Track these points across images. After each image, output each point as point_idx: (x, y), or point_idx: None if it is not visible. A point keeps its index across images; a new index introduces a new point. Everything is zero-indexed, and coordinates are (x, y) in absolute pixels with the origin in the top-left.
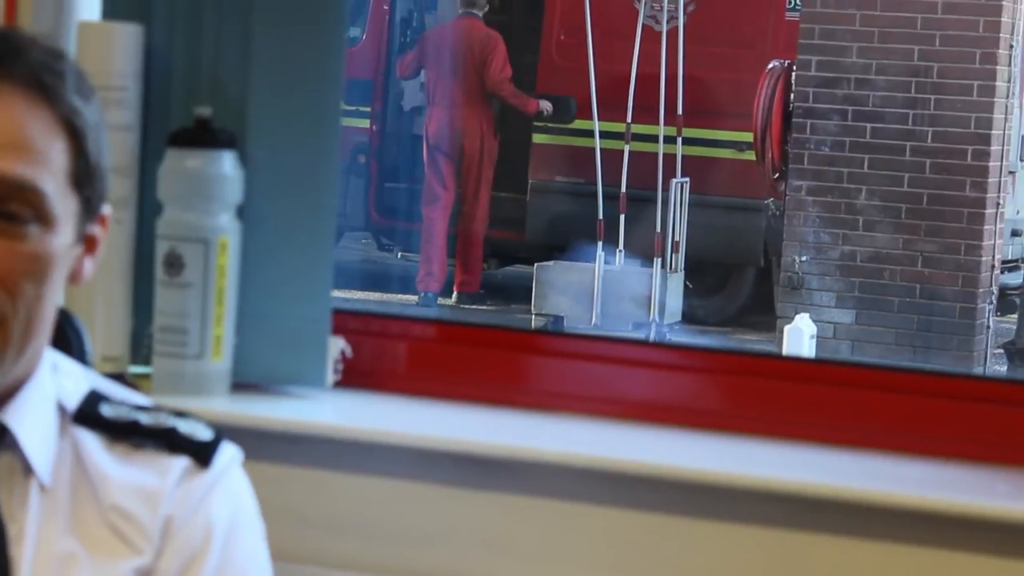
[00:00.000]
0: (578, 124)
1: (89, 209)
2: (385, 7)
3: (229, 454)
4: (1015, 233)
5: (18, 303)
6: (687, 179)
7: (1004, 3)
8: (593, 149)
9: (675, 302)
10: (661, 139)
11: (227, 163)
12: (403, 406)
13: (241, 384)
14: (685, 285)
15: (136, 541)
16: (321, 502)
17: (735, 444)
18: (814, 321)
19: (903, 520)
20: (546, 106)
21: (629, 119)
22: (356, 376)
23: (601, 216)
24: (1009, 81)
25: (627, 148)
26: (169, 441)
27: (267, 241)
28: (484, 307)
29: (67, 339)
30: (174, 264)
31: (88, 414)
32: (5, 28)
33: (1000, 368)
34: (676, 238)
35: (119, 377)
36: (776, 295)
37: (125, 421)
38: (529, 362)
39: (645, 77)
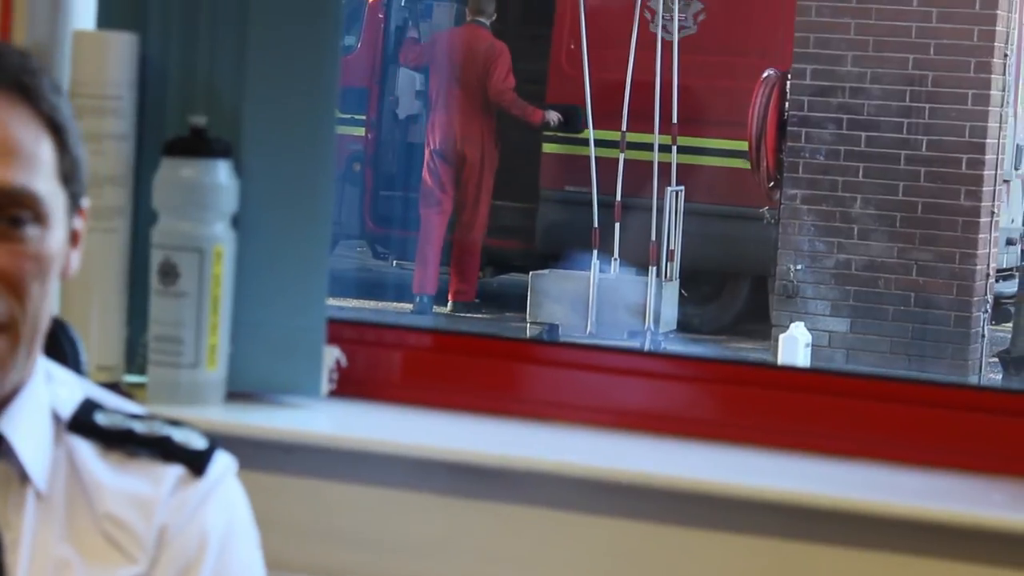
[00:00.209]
0: (603, 135)
1: (74, 203)
2: (380, 16)
3: (223, 463)
4: (1010, 242)
5: (27, 306)
6: (681, 187)
7: (999, 12)
8: (604, 159)
9: (670, 311)
10: (657, 147)
11: (222, 172)
12: (398, 415)
13: (236, 393)
14: (680, 293)
15: (130, 549)
16: (316, 511)
17: (730, 453)
18: (809, 330)
19: (898, 530)
20: (553, 117)
21: (624, 127)
22: (351, 385)
23: (596, 224)
24: (1003, 90)
25: (622, 156)
26: (163, 450)
27: (262, 250)
28: (479, 315)
29: (62, 348)
30: (169, 273)
31: (83, 422)
32: None
33: (995, 377)
34: (671, 246)
35: (114, 386)
36: (771, 304)
37: (119, 429)
38: (524, 371)
39: (656, 86)
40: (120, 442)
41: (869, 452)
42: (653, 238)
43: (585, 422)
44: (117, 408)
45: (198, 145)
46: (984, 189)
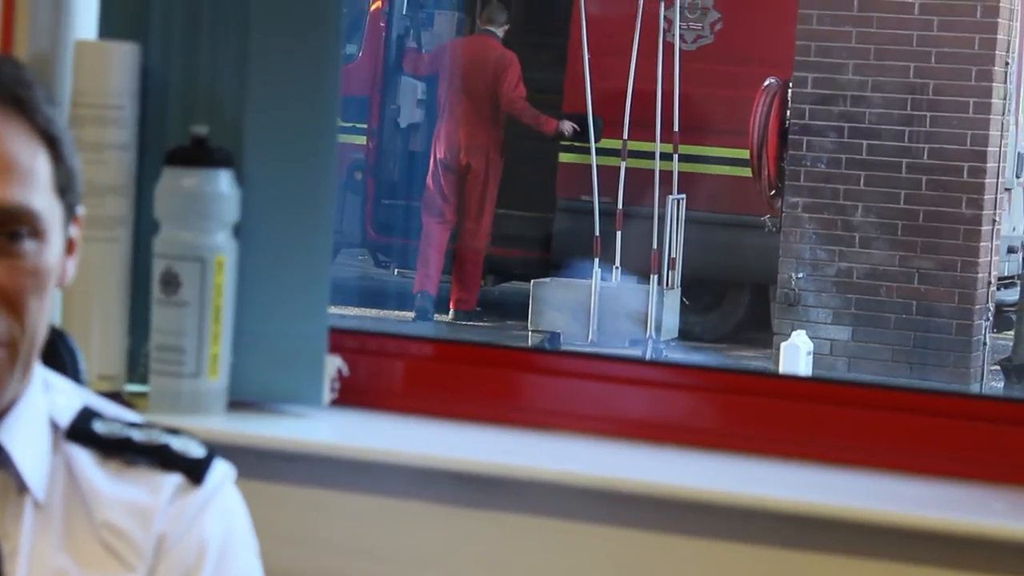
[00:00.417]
0: (605, 143)
1: (70, 213)
2: (381, 24)
3: (222, 471)
4: (1011, 250)
5: (26, 322)
6: (683, 196)
7: (1000, 20)
8: (618, 168)
9: (672, 319)
10: (658, 156)
11: (223, 182)
12: (399, 424)
13: (238, 402)
14: (682, 302)
15: (129, 558)
16: (317, 521)
17: (732, 463)
18: (811, 338)
19: (900, 538)
20: (567, 127)
21: (625, 135)
22: (353, 394)
23: (598, 232)
24: (1005, 98)
25: (623, 164)
26: (162, 458)
27: (264, 260)
28: (480, 324)
29: (61, 358)
30: (171, 283)
31: (81, 430)
32: None
33: (997, 384)
34: (673, 255)
35: (116, 396)
36: (773, 312)
37: (118, 438)
38: (526, 380)
39: (674, 94)
40: (118, 450)
41: (871, 461)
42: (655, 246)
43: (587, 431)
44: (115, 416)
45: (199, 154)
46: (985, 197)
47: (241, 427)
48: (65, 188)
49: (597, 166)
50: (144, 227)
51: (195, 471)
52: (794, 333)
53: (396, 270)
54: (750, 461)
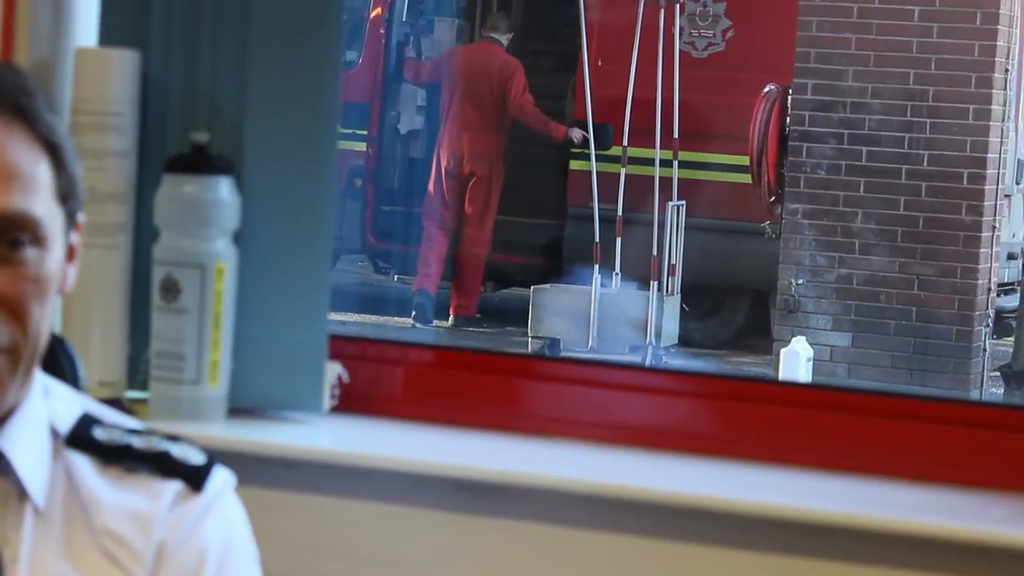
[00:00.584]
0: (616, 151)
1: (71, 220)
2: (381, 31)
3: (222, 478)
4: (1011, 256)
5: (28, 328)
6: (683, 202)
7: (1000, 27)
8: (630, 175)
9: (671, 325)
10: (660, 162)
11: (224, 189)
12: (400, 431)
13: (237, 409)
14: (681, 308)
15: (129, 566)
16: (318, 528)
17: (731, 469)
18: (811, 344)
19: (899, 545)
20: (576, 135)
21: (625, 142)
22: (353, 401)
23: (598, 239)
24: (1004, 105)
25: (623, 171)
26: (162, 465)
27: (264, 266)
28: (480, 330)
29: (60, 365)
30: (171, 289)
31: (81, 437)
32: None
33: (997, 391)
34: (673, 261)
35: (116, 402)
36: (772, 318)
37: (118, 444)
38: (526, 387)
39: (674, 101)
40: (118, 457)
41: (870, 467)
42: (655, 252)
43: (586, 438)
44: (115, 423)
45: (200, 161)
46: (985, 204)
47: (241, 434)
48: (66, 195)
49: (600, 173)
50: (144, 234)
51: (195, 478)
52: (794, 339)
53: (396, 276)
54: (750, 468)
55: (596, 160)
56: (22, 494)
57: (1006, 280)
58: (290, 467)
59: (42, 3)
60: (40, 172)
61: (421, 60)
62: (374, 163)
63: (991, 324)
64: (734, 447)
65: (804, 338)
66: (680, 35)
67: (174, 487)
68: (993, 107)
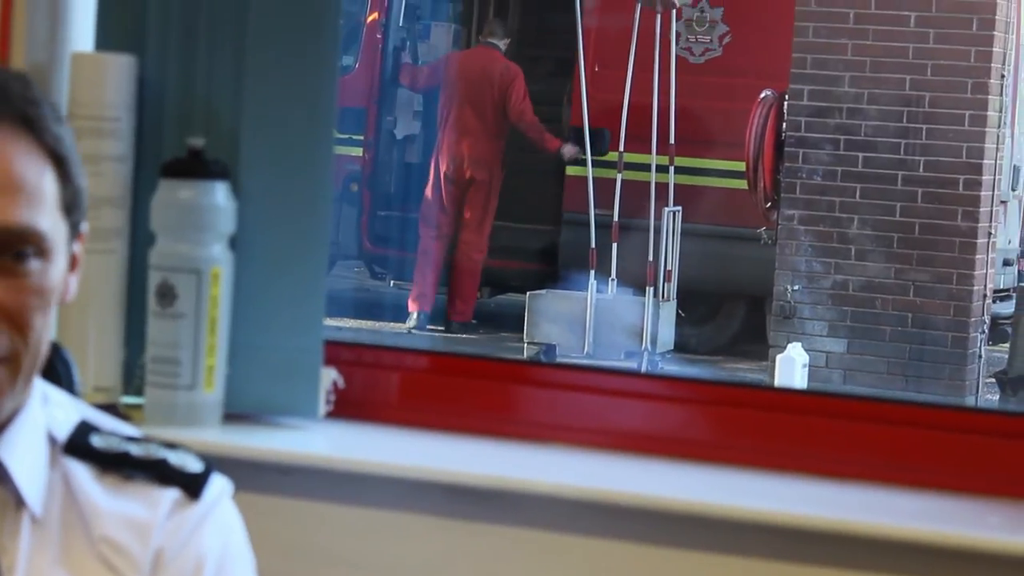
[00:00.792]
0: (613, 156)
1: (75, 231)
2: (378, 36)
3: (219, 486)
4: (1007, 262)
5: (29, 338)
6: (679, 208)
7: (996, 33)
8: (624, 180)
9: (667, 331)
10: (656, 168)
11: (220, 194)
12: (395, 437)
13: (233, 415)
14: (677, 314)
15: (127, 573)
16: (313, 533)
17: (726, 475)
18: (806, 350)
19: (895, 552)
20: (568, 152)
21: (621, 148)
22: (348, 407)
23: (594, 244)
24: (1000, 111)
25: (619, 176)
26: (159, 473)
27: (260, 272)
28: (476, 335)
29: (56, 370)
30: (167, 295)
31: (79, 445)
32: None
33: (992, 397)
34: (669, 267)
35: (111, 408)
36: (768, 324)
37: (115, 452)
38: (521, 393)
39: (671, 107)
40: (116, 465)
41: (866, 474)
42: (651, 258)
43: (582, 443)
44: (113, 431)
45: (196, 166)
46: (981, 210)
47: (236, 439)
48: (71, 207)
49: (597, 179)
50: (140, 239)
51: (193, 486)
52: (790, 345)
53: (392, 282)
54: (745, 474)
55: (593, 166)
56: (19, 502)
57: (1002, 286)
58: (285, 473)
59: (38, 7)
60: (46, 184)
61: (417, 65)
62: (370, 168)
63: (987, 330)
64: (729, 453)
65: (800, 344)
66: (677, 40)
67: (171, 495)
68: (989, 113)
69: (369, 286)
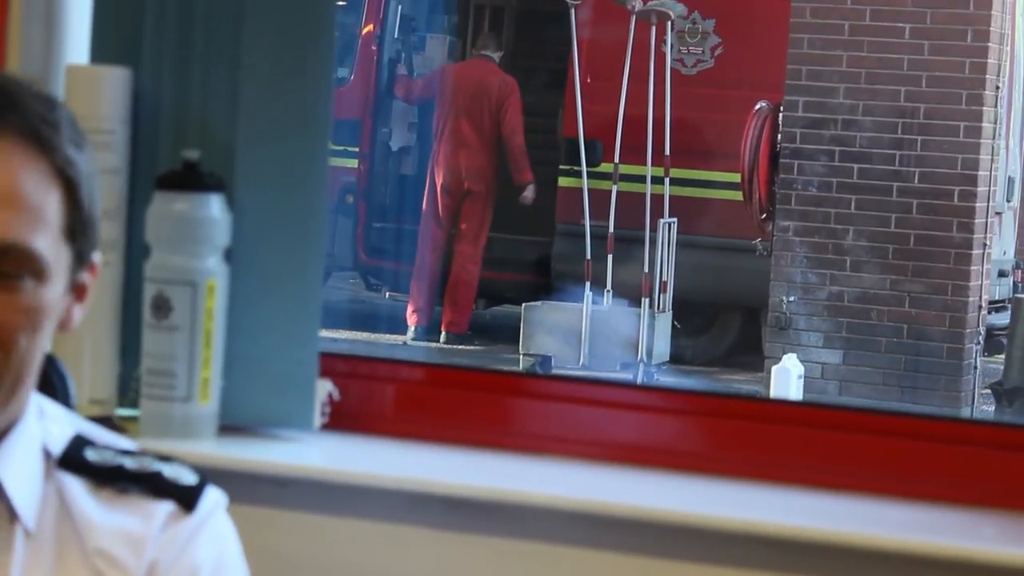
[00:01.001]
0: (608, 168)
1: (81, 259)
2: (373, 48)
3: (213, 498)
4: (1002, 273)
5: (12, 357)
6: (674, 219)
7: (991, 45)
8: (618, 192)
9: (663, 342)
10: (651, 179)
11: (215, 206)
12: (391, 449)
13: (229, 427)
14: (673, 325)
15: None
16: (309, 545)
17: (722, 487)
18: (802, 361)
19: (889, 563)
20: (528, 195)
21: (616, 159)
22: (343, 419)
23: (589, 256)
24: (995, 122)
25: (615, 188)
26: (154, 486)
27: (255, 284)
28: (471, 347)
29: (51, 383)
30: (162, 307)
31: (73, 459)
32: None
33: (987, 408)
34: (664, 278)
35: (106, 420)
36: (764, 335)
37: (110, 466)
38: (517, 405)
39: (665, 119)
40: (111, 478)
41: (861, 485)
42: (646, 270)
43: (578, 455)
44: (108, 444)
45: (191, 179)
46: (976, 221)
47: (232, 451)
48: (77, 233)
49: (592, 190)
50: (135, 251)
51: (187, 498)
52: (785, 357)
53: (387, 293)
54: (741, 485)
55: (587, 177)
56: (13, 516)
57: (997, 297)
58: (281, 485)
59: (34, 20)
60: (49, 205)
61: (413, 77)
62: (366, 180)
63: (982, 341)
64: (724, 465)
65: (795, 355)
66: (669, 52)
67: (166, 507)
68: (984, 124)
69: (364, 297)
